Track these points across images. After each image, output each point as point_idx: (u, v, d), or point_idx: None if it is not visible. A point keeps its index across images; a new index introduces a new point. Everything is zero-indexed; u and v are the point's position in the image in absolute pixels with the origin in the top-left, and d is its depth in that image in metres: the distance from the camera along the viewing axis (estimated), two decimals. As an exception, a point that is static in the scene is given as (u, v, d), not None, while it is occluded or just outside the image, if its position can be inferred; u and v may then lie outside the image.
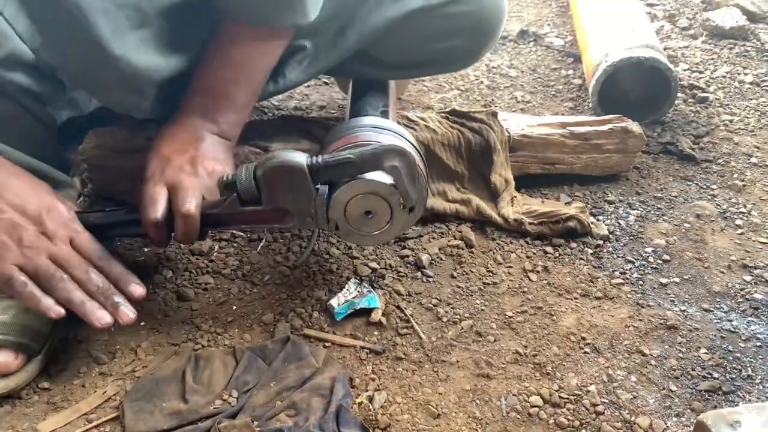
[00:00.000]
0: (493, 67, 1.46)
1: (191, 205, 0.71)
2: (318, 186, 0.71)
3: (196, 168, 0.75)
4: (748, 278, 0.88)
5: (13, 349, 0.69)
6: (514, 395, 0.71)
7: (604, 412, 0.69)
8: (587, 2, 1.49)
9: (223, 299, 0.83)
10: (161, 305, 0.82)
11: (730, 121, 1.26)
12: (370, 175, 0.70)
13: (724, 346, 0.77)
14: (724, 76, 1.44)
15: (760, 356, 0.76)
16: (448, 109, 1.04)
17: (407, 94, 1.32)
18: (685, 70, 1.46)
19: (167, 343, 0.76)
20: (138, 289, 0.69)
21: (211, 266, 0.88)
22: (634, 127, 1.04)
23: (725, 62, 1.51)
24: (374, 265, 0.89)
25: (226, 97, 0.80)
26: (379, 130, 0.79)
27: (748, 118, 1.27)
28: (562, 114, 1.28)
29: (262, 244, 0.92)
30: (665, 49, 1.48)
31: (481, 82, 1.39)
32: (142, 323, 0.79)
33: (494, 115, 1.00)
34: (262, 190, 0.70)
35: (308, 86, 1.35)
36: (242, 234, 0.93)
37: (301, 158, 0.69)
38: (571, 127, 1.03)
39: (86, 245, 0.68)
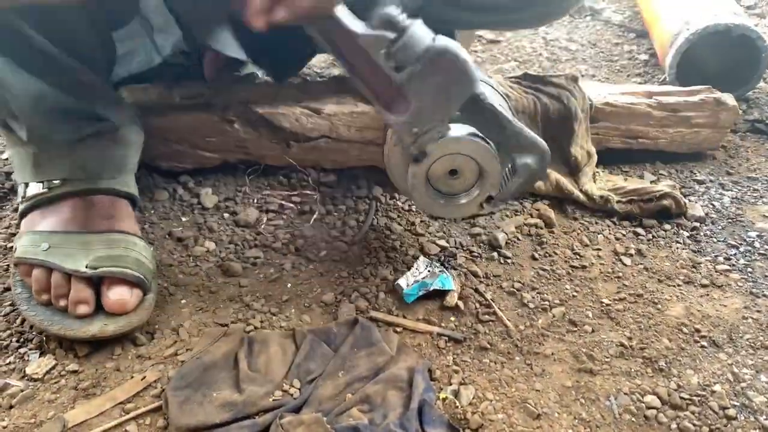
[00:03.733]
0: (550, 41, 1.35)
1: None
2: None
3: None
4: None
5: (128, 285, 0.63)
6: (625, 394, 0.60)
7: (737, 417, 0.58)
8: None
9: (276, 275, 0.72)
10: (204, 280, 0.71)
11: (819, 100, 1.14)
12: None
13: None
14: (801, 56, 1.32)
15: None
16: (519, 74, 0.93)
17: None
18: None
19: (214, 323, 0.65)
20: None
21: (259, 239, 0.77)
22: (728, 98, 0.93)
23: (800, 42, 1.39)
24: (443, 243, 0.78)
25: None
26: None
27: (836, 97, 1.16)
28: (632, 89, 1.17)
29: (315, 216, 0.81)
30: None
31: (540, 54, 1.28)
32: (183, 300, 0.68)
33: (575, 79, 0.89)
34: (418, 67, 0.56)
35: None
36: (292, 205, 0.83)
37: (475, 75, 0.58)
38: (658, 97, 0.92)
39: None
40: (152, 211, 0.81)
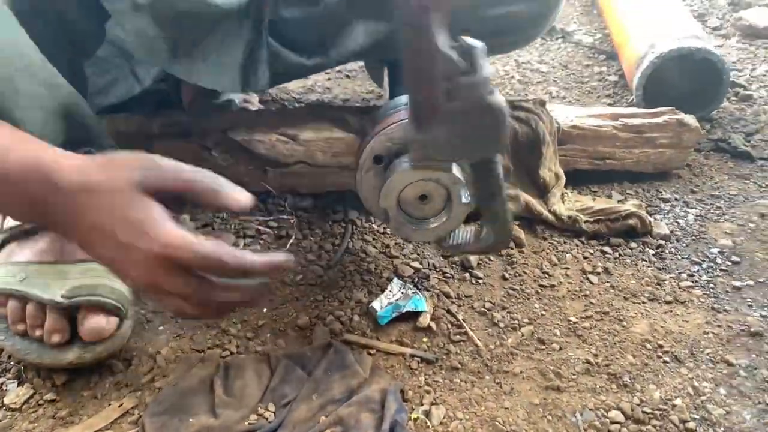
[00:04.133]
0: (522, 63, 1.38)
1: None
2: None
3: None
4: (829, 281, 0.80)
5: (104, 313, 0.64)
6: (590, 410, 0.62)
7: (696, 430, 0.60)
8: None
9: (252, 301, 0.74)
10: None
11: (779, 119, 1.18)
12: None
13: (819, 355, 0.69)
14: (764, 75, 1.37)
15: None
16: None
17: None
18: (723, 68, 1.39)
19: (191, 350, 0.67)
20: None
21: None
22: (690, 119, 0.97)
23: (763, 61, 1.44)
24: (416, 264, 0.80)
25: None
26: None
27: (796, 116, 1.20)
28: (601, 110, 1.20)
29: (291, 240, 0.83)
30: (700, 47, 1.42)
31: (512, 77, 1.31)
32: (160, 327, 0.70)
33: (542, 103, 0.92)
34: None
35: (329, 79, 1.27)
36: (269, 230, 0.85)
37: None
38: (623, 119, 0.95)
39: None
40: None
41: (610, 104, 1.23)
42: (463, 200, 0.64)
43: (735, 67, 1.41)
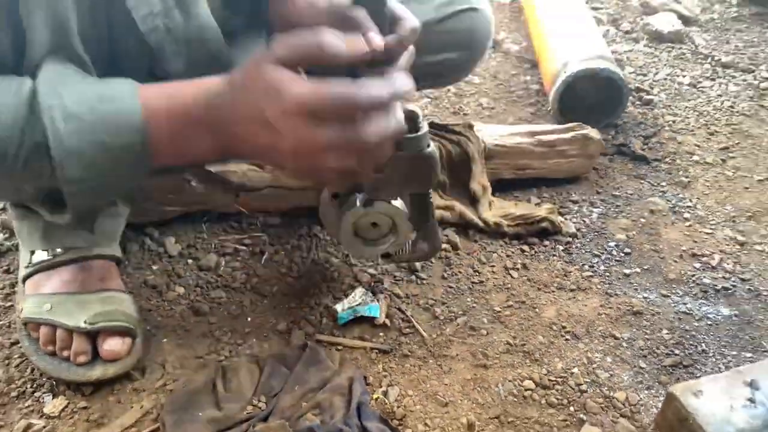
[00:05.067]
0: (456, 76, 1.55)
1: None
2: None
3: None
4: (697, 265, 1.00)
5: (119, 335, 0.78)
6: (509, 381, 0.81)
7: (587, 390, 0.80)
8: (541, 10, 1.60)
9: (238, 312, 0.89)
10: (179, 321, 0.88)
11: (673, 121, 1.39)
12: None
13: (682, 326, 0.89)
14: (665, 79, 1.58)
15: (711, 333, 0.88)
16: (428, 122, 1.12)
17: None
18: (630, 73, 1.59)
19: (192, 357, 0.82)
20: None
21: (221, 281, 0.94)
22: (593, 133, 1.16)
23: (665, 65, 1.65)
24: (372, 271, 0.97)
25: None
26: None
27: (688, 118, 1.41)
28: (525, 119, 1.39)
29: (265, 256, 0.98)
30: (612, 53, 1.61)
31: (449, 90, 1.48)
32: (164, 339, 0.85)
33: (470, 127, 1.10)
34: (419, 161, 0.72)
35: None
36: (245, 248, 1.00)
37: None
38: (539, 136, 1.14)
39: None
40: (127, 263, 0.96)
41: (533, 112, 1.42)
42: (405, 226, 0.81)
43: (641, 71, 1.62)
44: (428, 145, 0.73)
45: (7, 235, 0.99)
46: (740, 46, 1.77)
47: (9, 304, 0.89)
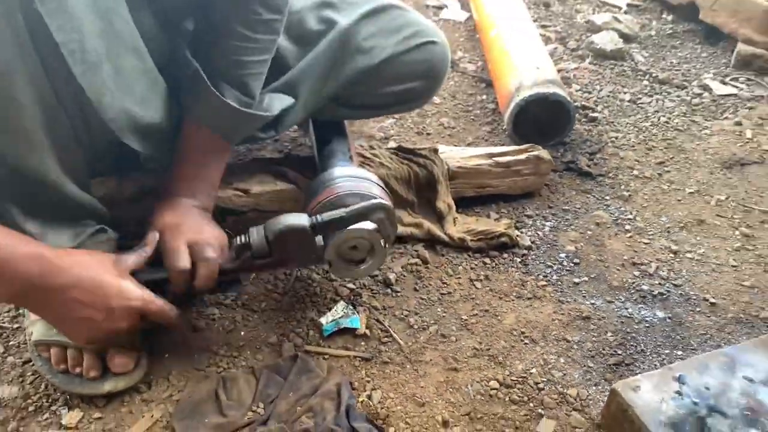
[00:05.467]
0: (419, 95, 1.66)
1: (212, 252, 0.86)
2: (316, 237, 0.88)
3: (201, 230, 0.90)
4: (637, 273, 1.14)
5: (127, 351, 0.87)
6: (477, 382, 0.92)
7: (544, 388, 0.92)
8: (495, 31, 1.72)
9: (231, 327, 0.98)
10: (179, 337, 0.96)
11: (616, 137, 1.54)
12: (357, 225, 0.88)
13: (624, 329, 1.03)
14: (608, 96, 1.73)
15: (649, 335, 1.02)
16: (396, 146, 1.23)
17: (350, 123, 1.49)
18: (577, 90, 1.74)
19: (194, 369, 0.91)
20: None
21: (213, 299, 1.03)
22: (544, 154, 1.29)
23: (608, 82, 1.80)
24: (351, 285, 1.07)
25: (203, 181, 0.97)
26: (353, 179, 0.97)
27: (629, 134, 1.56)
28: (483, 137, 1.51)
29: (253, 275, 1.07)
30: (559, 71, 1.75)
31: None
32: (166, 354, 0.93)
33: (435, 151, 1.21)
34: (272, 248, 0.87)
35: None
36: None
37: (304, 221, 0.86)
38: (496, 158, 1.26)
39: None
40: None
41: (489, 131, 1.54)
42: (382, 245, 0.91)
43: (586, 89, 1.76)
44: (255, 235, 0.89)
45: (6, 260, 1.04)
46: (675, 63, 1.93)
47: (17, 325, 0.95)
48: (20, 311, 0.97)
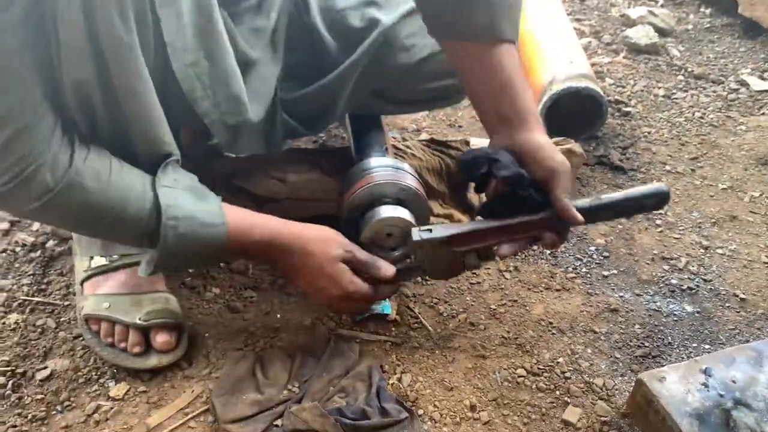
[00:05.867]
0: (452, 87, 1.68)
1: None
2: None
3: None
4: (666, 267, 1.15)
5: (168, 330, 0.91)
6: (504, 369, 0.95)
7: (570, 377, 0.94)
8: (528, 24, 1.73)
9: (268, 309, 1.02)
10: (217, 318, 1.00)
11: (649, 132, 1.54)
12: (396, 214, 0.93)
13: (652, 322, 1.04)
14: (642, 90, 1.72)
15: (677, 328, 1.03)
16: (428, 138, 1.26)
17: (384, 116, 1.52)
18: (610, 85, 1.73)
19: (232, 349, 0.95)
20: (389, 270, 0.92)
21: (251, 282, 1.07)
22: (576, 147, 1.29)
23: (642, 76, 1.79)
24: (382, 273, 1.10)
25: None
26: (389, 168, 1.00)
27: (662, 129, 1.56)
28: (515, 130, 1.52)
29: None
30: (593, 65, 1.75)
31: (445, 103, 1.61)
32: (206, 334, 0.98)
33: (467, 143, 1.23)
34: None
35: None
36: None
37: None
38: (528, 150, 1.27)
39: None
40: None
41: (521, 124, 1.55)
42: (416, 237, 0.94)
43: (620, 83, 1.76)
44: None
45: (57, 242, 1.10)
46: (711, 57, 1.92)
47: (68, 303, 1.01)
48: (70, 289, 1.03)
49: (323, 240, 0.89)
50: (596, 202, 0.88)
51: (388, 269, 0.91)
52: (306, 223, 0.91)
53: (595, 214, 0.88)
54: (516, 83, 0.89)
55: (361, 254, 0.91)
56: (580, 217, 0.84)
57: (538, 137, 0.89)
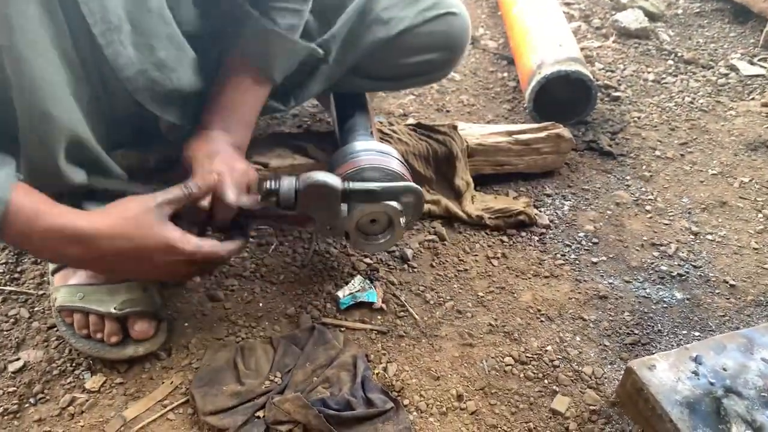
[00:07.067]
0: (439, 71, 1.65)
1: (232, 195, 0.86)
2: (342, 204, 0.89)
3: (233, 165, 0.90)
4: (656, 254, 1.13)
5: (146, 318, 0.88)
6: (492, 358, 0.93)
7: (559, 366, 0.92)
8: (517, 7, 1.70)
9: (249, 298, 0.99)
10: (197, 306, 0.97)
11: (638, 117, 1.52)
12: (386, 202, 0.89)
13: (641, 309, 1.02)
14: (631, 75, 1.70)
15: (666, 315, 1.01)
16: (414, 122, 1.23)
17: (370, 99, 1.49)
18: (600, 69, 1.71)
19: (212, 338, 0.92)
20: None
21: (232, 270, 1.04)
22: (565, 132, 1.27)
23: (632, 61, 1.77)
24: (368, 260, 1.08)
25: (238, 117, 0.96)
26: (375, 152, 0.97)
27: (651, 114, 1.54)
28: (503, 115, 1.50)
29: (272, 247, 1.08)
30: (582, 49, 1.73)
31: (432, 87, 1.58)
32: (185, 323, 0.95)
33: (455, 127, 1.20)
34: (298, 201, 0.87)
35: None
36: (252, 239, 1.10)
37: (337, 182, 0.86)
38: (515, 135, 1.25)
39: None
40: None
41: (509, 109, 1.53)
42: (401, 224, 0.91)
43: (610, 67, 1.74)
44: (285, 183, 0.89)
45: (31, 228, 1.06)
46: (701, 42, 1.90)
47: (42, 292, 0.97)
48: (44, 278, 0.99)
49: (123, 209, 0.76)
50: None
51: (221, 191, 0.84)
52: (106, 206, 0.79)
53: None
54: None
55: (174, 193, 0.79)
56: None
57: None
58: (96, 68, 0.78)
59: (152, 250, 0.77)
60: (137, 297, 0.90)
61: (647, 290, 1.06)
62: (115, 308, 0.88)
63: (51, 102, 0.72)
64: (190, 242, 0.79)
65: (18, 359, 0.88)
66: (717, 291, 1.06)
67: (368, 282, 1.02)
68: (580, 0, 2.10)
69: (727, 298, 1.05)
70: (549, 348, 0.94)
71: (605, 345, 0.96)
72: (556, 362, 0.92)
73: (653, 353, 0.91)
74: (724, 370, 0.83)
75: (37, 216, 0.71)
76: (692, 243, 1.16)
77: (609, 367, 0.92)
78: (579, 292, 1.05)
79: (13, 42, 0.67)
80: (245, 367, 0.88)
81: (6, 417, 0.81)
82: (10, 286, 0.98)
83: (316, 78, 1.05)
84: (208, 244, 0.81)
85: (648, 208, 1.24)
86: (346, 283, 1.01)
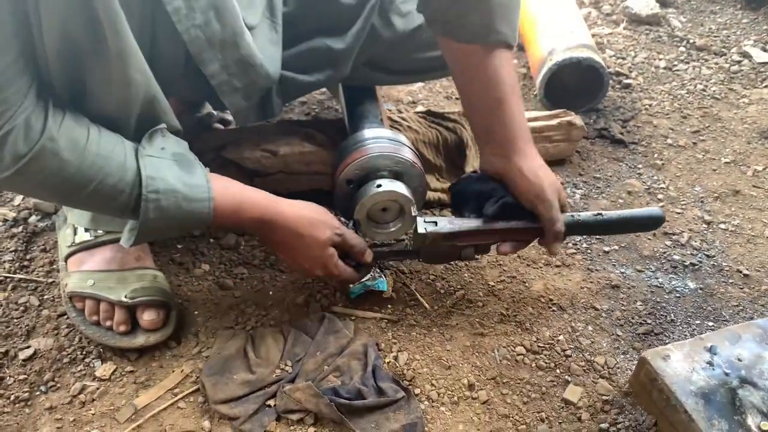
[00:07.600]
0: (448, 58, 1.63)
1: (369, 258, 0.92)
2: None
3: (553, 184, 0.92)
4: (668, 243, 1.12)
5: (156, 308, 0.88)
6: (503, 347, 0.92)
7: (571, 355, 0.91)
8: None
9: (259, 286, 0.99)
10: (207, 295, 0.97)
11: (650, 105, 1.50)
12: (391, 188, 0.89)
13: (654, 298, 1.01)
14: (642, 62, 1.68)
15: (679, 305, 1.00)
16: (424, 110, 1.21)
17: (379, 87, 1.47)
18: (611, 56, 1.69)
19: (222, 327, 0.92)
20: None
21: (241, 258, 1.03)
22: (577, 120, 1.26)
23: (643, 48, 1.75)
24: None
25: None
26: (384, 140, 0.96)
27: (663, 102, 1.52)
28: (513, 103, 1.48)
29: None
30: (593, 36, 1.70)
31: (441, 74, 1.56)
32: (195, 312, 0.94)
33: (464, 115, 1.19)
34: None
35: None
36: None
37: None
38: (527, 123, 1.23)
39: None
40: (153, 242, 1.04)
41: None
42: (413, 213, 0.91)
43: (621, 54, 1.71)
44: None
45: (39, 217, 1.06)
46: (714, 29, 1.87)
47: (51, 280, 0.97)
48: (54, 266, 0.99)
49: (313, 223, 0.86)
50: (593, 218, 0.92)
51: (370, 256, 0.91)
52: (296, 201, 0.87)
53: (591, 228, 0.93)
54: (510, 101, 0.89)
55: (351, 238, 0.89)
56: (561, 235, 0.88)
57: (523, 163, 0.89)
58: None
59: (312, 258, 0.87)
60: (148, 286, 0.90)
61: (660, 279, 1.05)
62: (126, 296, 0.88)
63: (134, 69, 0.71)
64: (338, 266, 0.88)
65: (28, 347, 0.88)
66: (730, 280, 1.05)
67: (378, 271, 1.01)
68: (591, -14, 2.07)
69: (741, 288, 1.04)
70: (561, 337, 0.94)
71: (618, 335, 0.95)
72: (568, 352, 0.92)
73: (666, 343, 0.91)
74: (739, 360, 0.82)
75: (241, 205, 0.82)
76: (705, 232, 1.15)
77: (622, 356, 0.92)
78: (591, 282, 1.04)
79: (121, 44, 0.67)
80: (256, 356, 0.87)
81: (17, 405, 0.81)
82: (19, 273, 0.98)
83: (345, 66, 1.02)
84: (348, 272, 0.90)
85: (660, 196, 1.23)
86: (356, 272, 1.01)
